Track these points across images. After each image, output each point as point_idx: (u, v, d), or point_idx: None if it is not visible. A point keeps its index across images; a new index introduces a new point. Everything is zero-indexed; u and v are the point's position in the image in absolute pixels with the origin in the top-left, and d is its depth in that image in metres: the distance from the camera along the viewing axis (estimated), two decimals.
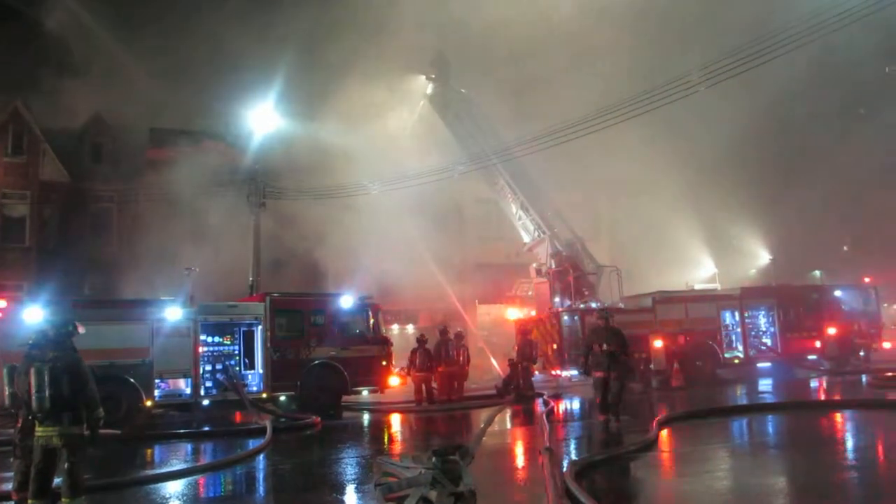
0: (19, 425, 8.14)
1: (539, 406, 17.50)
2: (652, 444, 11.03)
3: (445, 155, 25.84)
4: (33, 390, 7.54)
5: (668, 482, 9.41)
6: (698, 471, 9.56)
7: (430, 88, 27.34)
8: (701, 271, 31.10)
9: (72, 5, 27.56)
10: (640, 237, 28.94)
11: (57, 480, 7.70)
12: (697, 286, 27.43)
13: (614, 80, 24.31)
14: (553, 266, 24.08)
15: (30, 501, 7.56)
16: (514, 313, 24.72)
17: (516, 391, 19.84)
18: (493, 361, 25.62)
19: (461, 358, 20.03)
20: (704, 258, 31.44)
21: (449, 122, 26.65)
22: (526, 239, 25.27)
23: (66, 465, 7.57)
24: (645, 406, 17.16)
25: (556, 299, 23.59)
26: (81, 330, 8.00)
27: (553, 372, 21.97)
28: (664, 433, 12.08)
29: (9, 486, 8.42)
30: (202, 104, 24.79)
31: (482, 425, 14.50)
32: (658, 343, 21.27)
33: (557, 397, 19.59)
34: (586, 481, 8.37)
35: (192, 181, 23.59)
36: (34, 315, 14.51)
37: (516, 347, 21.22)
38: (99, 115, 29.42)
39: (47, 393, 7.50)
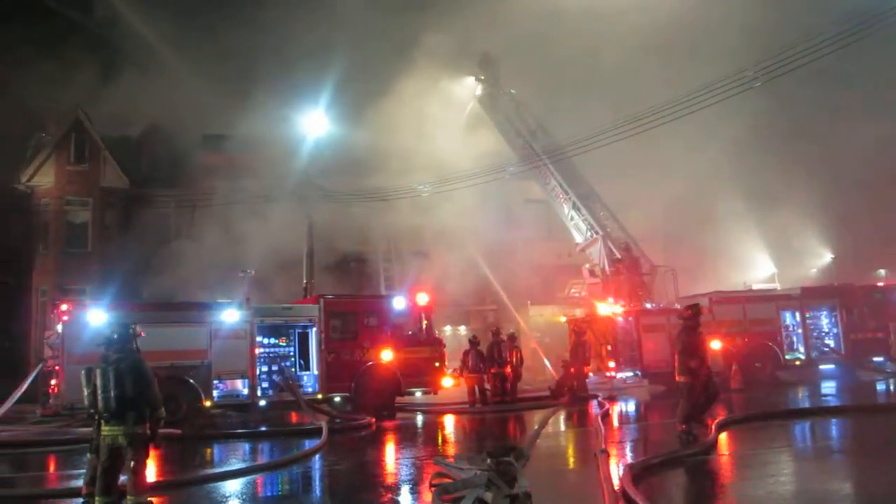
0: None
1: (594, 408, 17.37)
2: (711, 447, 10.84)
3: (495, 156, 25.79)
4: (99, 391, 7.83)
5: (729, 486, 9.22)
6: (760, 475, 9.35)
7: (479, 90, 27.36)
8: (759, 271, 30.38)
9: (129, 17, 28.40)
10: (694, 236, 28.41)
11: (122, 478, 7.94)
12: (755, 286, 26.83)
13: (666, 76, 23.97)
14: (606, 267, 23.83)
15: (97, 498, 7.82)
16: (567, 314, 24.51)
17: (570, 393, 19.74)
18: (547, 363, 25.47)
19: (514, 359, 20.00)
20: (762, 257, 30.71)
21: (498, 123, 26.62)
22: (578, 239, 25.05)
23: (130, 464, 7.80)
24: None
25: (610, 300, 23.32)
26: (142, 333, 8.25)
27: (607, 373, 21.75)
28: (723, 436, 11.86)
29: (78, 483, 8.72)
30: (256, 109, 25.14)
31: (536, 427, 14.44)
32: (715, 344, 20.86)
33: (612, 399, 19.39)
34: (643, 485, 8.26)
35: (245, 185, 24.04)
36: (98, 318, 15.03)
37: (570, 349, 21.09)
38: (155, 122, 30.16)
39: (112, 393, 7.78)
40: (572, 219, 25.03)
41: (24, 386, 15.64)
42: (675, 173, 27.09)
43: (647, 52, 25.67)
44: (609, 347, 21.62)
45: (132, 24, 28.33)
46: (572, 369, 20.39)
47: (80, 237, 27.90)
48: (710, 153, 26.87)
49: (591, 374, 21.25)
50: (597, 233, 24.31)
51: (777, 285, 27.36)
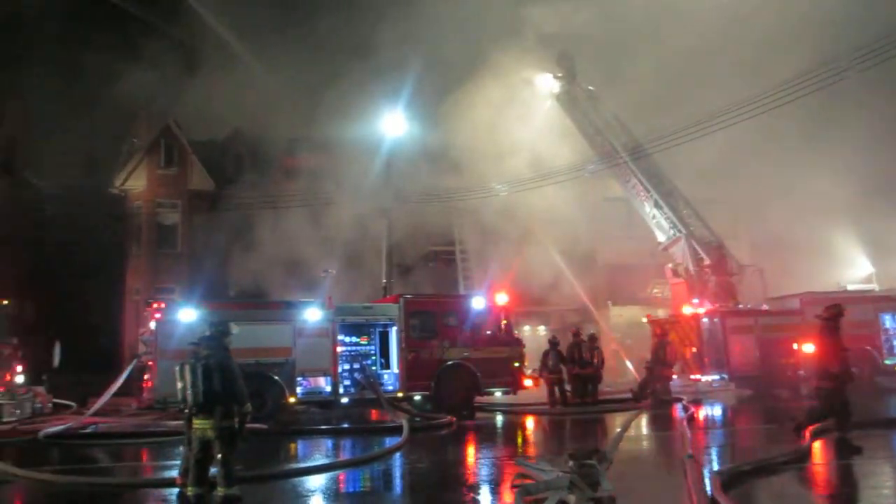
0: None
1: (678, 411, 16.95)
2: (805, 455, 10.39)
3: (574, 154, 25.52)
4: (189, 386, 8.13)
5: (826, 498, 8.82)
6: (860, 486, 8.91)
7: (557, 87, 27.10)
8: (855, 271, 29.06)
9: (214, 24, 29.37)
10: (784, 235, 27.42)
11: (213, 471, 8.20)
12: (851, 287, 25.67)
13: (753, 69, 23.23)
14: (690, 266, 23.26)
15: (189, 488, 8.12)
16: (649, 315, 24.07)
17: (653, 395, 19.34)
18: (628, 364, 25.04)
19: (595, 360, 19.73)
20: (858, 257, 29.35)
21: (577, 121, 26.31)
22: (661, 238, 24.55)
23: (219, 457, 8.06)
24: (795, 415, 16.23)
25: (695, 301, 22.73)
26: (235, 330, 8.49)
27: (692, 376, 21.22)
28: (818, 444, 11.37)
29: (173, 473, 9.07)
30: (336, 111, 25.61)
31: (619, 430, 14.17)
32: (808, 348, 20.05)
33: (697, 403, 18.92)
34: (734, 492, 8.00)
35: (326, 186, 24.51)
36: (188, 316, 15.59)
37: (652, 350, 20.66)
38: (239, 127, 31.10)
39: (201, 388, 8.06)
40: (654, 217, 24.55)
41: (120, 380, 16.25)
42: (761, 168, 26.23)
43: (729, 45, 24.90)
44: (694, 350, 21.09)
45: (217, 32, 29.30)
46: (655, 371, 19.95)
47: (170, 238, 29.08)
48: (799, 148, 25.87)
49: (674, 376, 20.74)
50: (680, 231, 23.78)
51: (875, 286, 26.13)
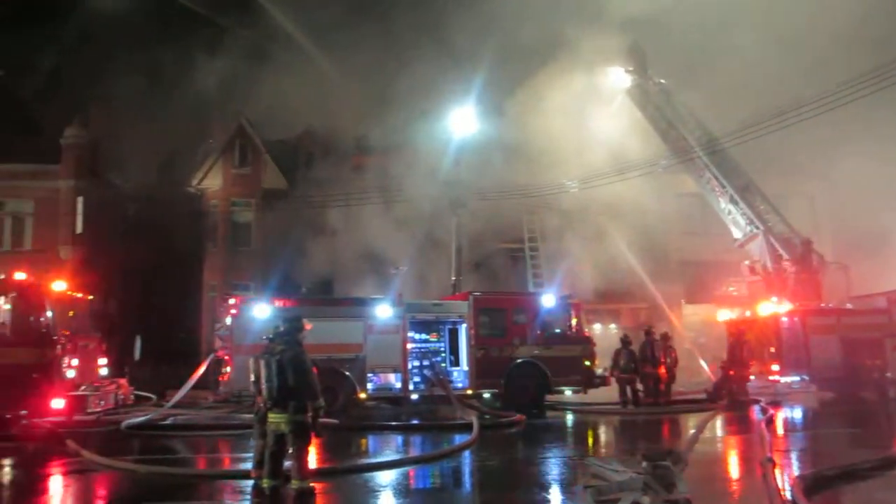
0: (257, 410, 8.91)
1: (755, 413, 16.48)
2: (894, 461, 9.94)
3: (647, 149, 25.05)
4: (263, 380, 8.29)
5: None
6: None
7: (628, 81, 26.63)
8: None
9: (285, 24, 29.94)
10: (868, 229, 26.30)
11: (287, 464, 8.36)
12: None
13: (836, 58, 22.33)
14: (769, 263, 22.56)
15: (264, 480, 8.30)
16: (725, 314, 23.46)
17: (729, 396, 18.91)
18: (703, 364, 24.45)
19: (668, 360, 19.35)
20: None
21: (649, 115, 25.82)
22: (737, 235, 23.89)
23: (292, 450, 8.20)
24: (882, 419, 15.59)
25: (774, 299, 22.02)
26: (309, 327, 8.62)
27: (770, 377, 20.58)
28: None
29: (248, 466, 9.30)
30: (404, 108, 25.78)
31: (693, 431, 13.90)
32: None
33: (776, 404, 18.35)
34: (815, 498, 7.70)
35: (396, 184, 24.68)
36: (263, 312, 15.95)
37: (728, 350, 20.16)
38: (311, 126, 31.62)
39: (275, 383, 8.21)
40: (729, 213, 23.92)
41: (198, 374, 16.76)
42: (844, 160, 25.20)
43: (805, 36, 24.01)
44: (772, 350, 20.45)
45: (287, 30, 29.86)
46: (731, 372, 19.48)
47: (244, 236, 29.86)
48: (888, 135, 24.73)
49: (752, 377, 20.15)
50: (757, 228, 23.11)
51: None
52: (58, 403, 13.81)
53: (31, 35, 36.39)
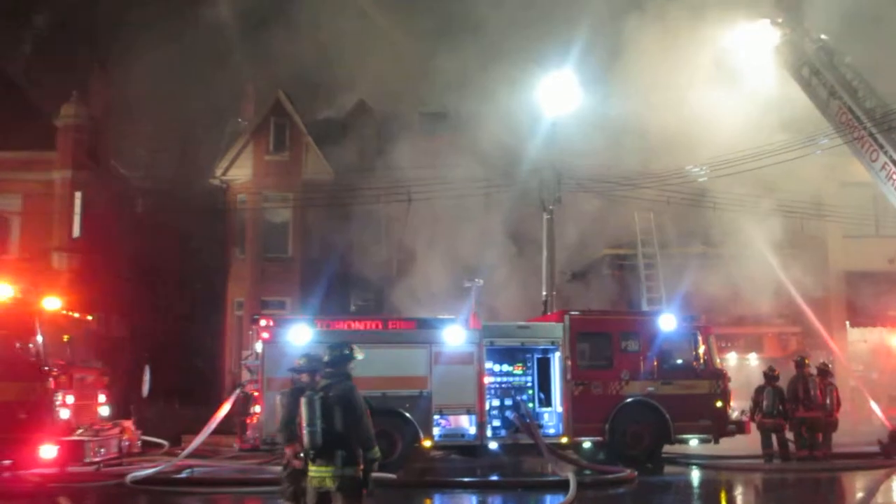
0: (286, 462, 8.91)
1: None
2: None
3: (801, 126, 24.47)
4: (304, 423, 8.20)
5: None
6: None
7: (777, 37, 26.03)
8: None
9: None
10: None
11: None
12: None
13: None
14: None
15: None
16: None
17: None
18: (875, 406, 23.70)
19: (827, 400, 18.83)
20: None
21: (804, 81, 25.18)
22: None
23: None
24: None
25: None
26: (360, 355, 8.59)
27: None
28: None
29: None
30: (482, 78, 25.75)
31: (862, 495, 13.48)
32: None
33: None
34: None
35: (471, 174, 24.68)
36: (302, 336, 16.11)
37: None
38: (363, 101, 31.84)
39: (319, 427, 8.09)
40: None
41: (220, 415, 16.95)
42: None
43: None
44: None
45: None
46: None
47: (279, 240, 30.08)
48: None
49: None
50: None
51: None
52: (48, 451, 14.06)
53: None
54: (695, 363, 18.29)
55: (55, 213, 26.73)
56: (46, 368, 14.35)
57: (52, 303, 15.31)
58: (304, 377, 8.93)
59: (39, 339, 14.39)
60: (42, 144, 27.01)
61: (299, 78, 30.69)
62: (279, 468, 13.62)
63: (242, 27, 29.18)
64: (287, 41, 29.40)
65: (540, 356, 18.13)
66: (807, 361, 19.70)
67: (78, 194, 26.96)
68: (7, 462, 13.96)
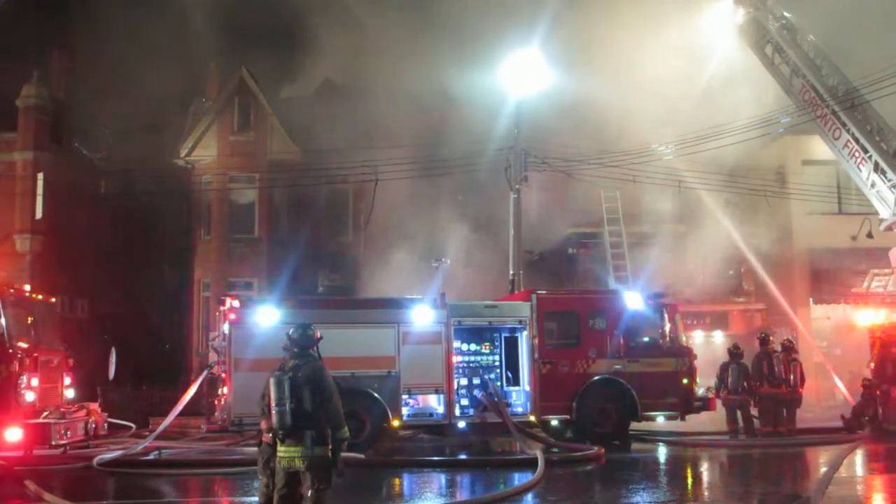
0: (261, 441, 8.91)
1: None
2: None
3: (763, 104, 24.69)
4: (273, 403, 8.20)
5: None
6: None
7: (740, 16, 26.18)
8: None
9: None
10: None
11: None
12: None
13: None
14: None
15: None
16: (867, 317, 23.03)
17: (873, 424, 18.78)
18: (838, 382, 24.11)
19: (791, 377, 19.11)
20: None
21: (767, 60, 25.37)
22: (883, 214, 23.37)
23: (310, 493, 8.18)
24: None
25: None
26: (318, 335, 8.59)
27: None
28: None
29: None
30: (449, 56, 25.71)
31: (826, 469, 13.71)
32: None
33: None
34: None
35: (439, 152, 24.67)
36: (269, 317, 16.09)
37: (873, 364, 19.87)
38: (329, 80, 31.67)
39: (288, 407, 8.10)
40: (873, 185, 23.38)
41: (187, 397, 16.91)
42: None
43: None
44: None
45: None
46: (877, 392, 19.24)
47: (245, 221, 29.88)
48: None
49: None
50: None
51: None
52: (14, 434, 14.07)
53: None
54: (661, 341, 18.43)
55: (17, 195, 26.64)
56: (10, 351, 14.35)
57: (16, 285, 15.23)
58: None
59: (3, 321, 14.37)
60: (2, 125, 26.89)
61: (264, 56, 30.45)
62: (249, 448, 13.71)
63: (205, 4, 28.80)
64: (250, 18, 29.24)
65: (507, 335, 18.15)
66: (771, 338, 20.03)
67: (40, 176, 26.95)
68: None
